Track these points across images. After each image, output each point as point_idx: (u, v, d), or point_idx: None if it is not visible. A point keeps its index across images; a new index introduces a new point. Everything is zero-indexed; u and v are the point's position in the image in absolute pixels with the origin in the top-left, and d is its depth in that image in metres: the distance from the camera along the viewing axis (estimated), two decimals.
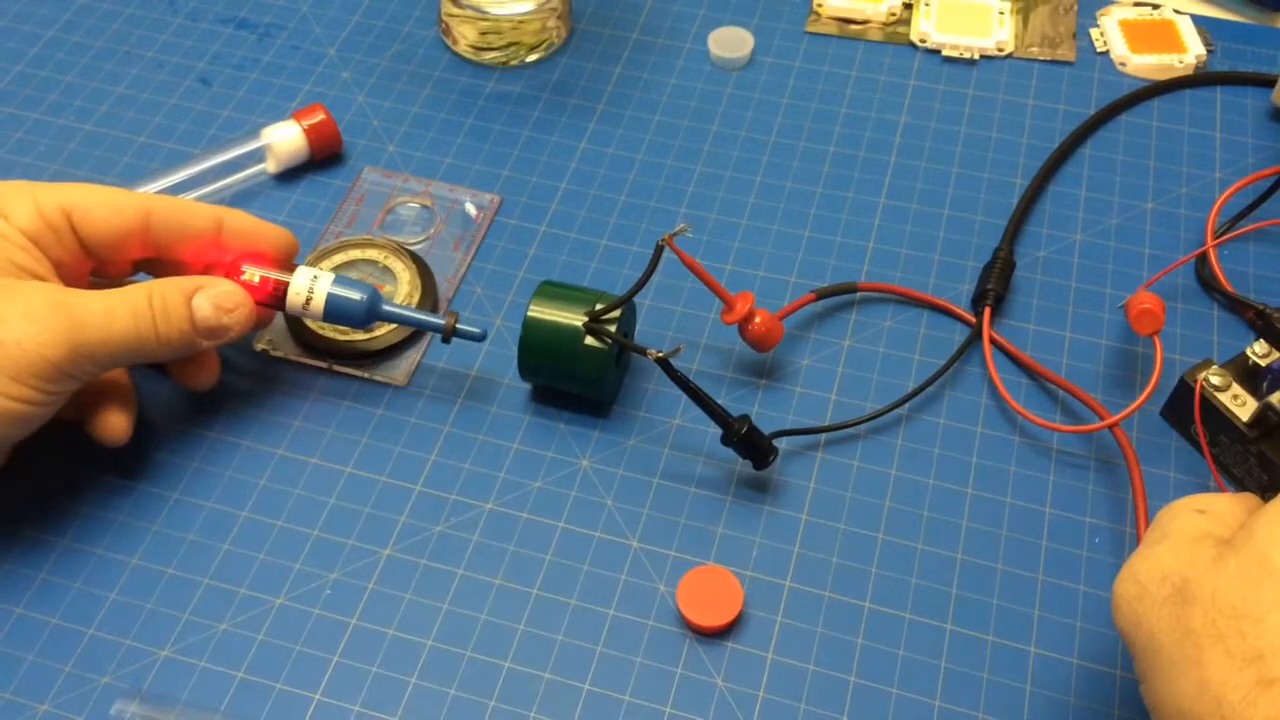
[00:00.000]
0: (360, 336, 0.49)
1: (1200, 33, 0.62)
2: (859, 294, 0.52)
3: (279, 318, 0.50)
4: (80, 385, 0.42)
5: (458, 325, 0.46)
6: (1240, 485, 0.46)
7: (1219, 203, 0.54)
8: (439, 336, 0.47)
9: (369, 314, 0.46)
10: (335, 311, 0.46)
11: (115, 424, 0.44)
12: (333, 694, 0.41)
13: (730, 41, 0.61)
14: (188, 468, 0.46)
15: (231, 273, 0.46)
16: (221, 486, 0.46)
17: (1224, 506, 0.35)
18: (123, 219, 0.44)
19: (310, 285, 0.45)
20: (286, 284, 0.46)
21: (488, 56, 0.61)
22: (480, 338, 0.46)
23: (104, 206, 0.43)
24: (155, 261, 0.46)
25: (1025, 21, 0.63)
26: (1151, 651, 0.32)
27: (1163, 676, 0.32)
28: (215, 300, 0.43)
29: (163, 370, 0.48)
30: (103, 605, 0.43)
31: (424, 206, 0.55)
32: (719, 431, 0.45)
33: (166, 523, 0.45)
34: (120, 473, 0.46)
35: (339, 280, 0.46)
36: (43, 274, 0.42)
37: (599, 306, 0.46)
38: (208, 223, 0.45)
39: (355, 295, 0.45)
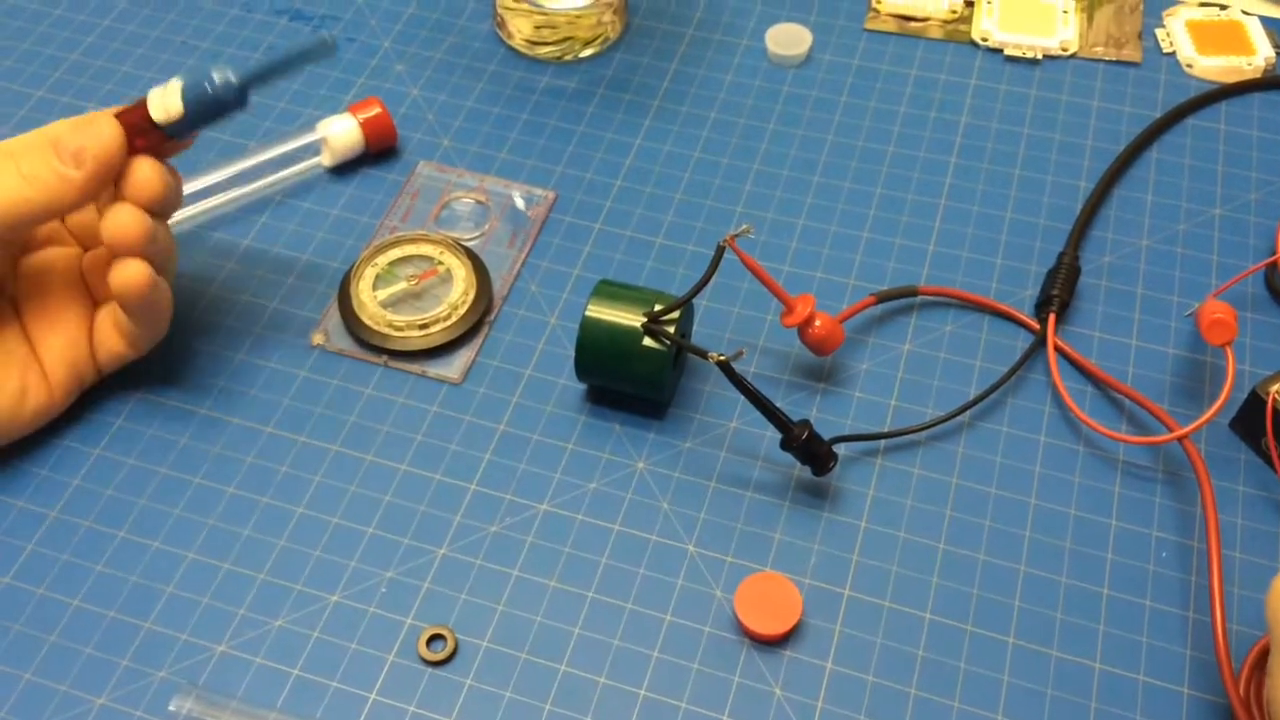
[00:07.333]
0: (415, 333, 0.49)
1: (1269, 34, 0.61)
2: (919, 298, 0.51)
3: (335, 313, 0.50)
4: None
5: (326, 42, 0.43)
6: None
7: None
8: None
9: (228, 87, 0.42)
10: (198, 102, 0.42)
11: (131, 271, 0.43)
12: (388, 694, 0.41)
13: (788, 38, 0.61)
14: (243, 462, 0.46)
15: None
16: (277, 482, 0.46)
17: None
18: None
19: (163, 89, 0.43)
20: (144, 103, 0.43)
21: (542, 51, 0.61)
22: (329, 50, 0.43)
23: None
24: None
25: (1090, 21, 0.62)
26: (1275, 644, 0.36)
27: (1276, 672, 0.36)
28: (73, 124, 0.42)
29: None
30: (160, 599, 0.43)
31: (479, 202, 0.55)
32: (776, 435, 0.44)
33: (222, 517, 0.45)
34: (176, 466, 0.46)
35: (185, 78, 0.43)
36: None
37: (658, 307, 0.45)
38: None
39: (210, 77, 0.42)
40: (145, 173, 0.43)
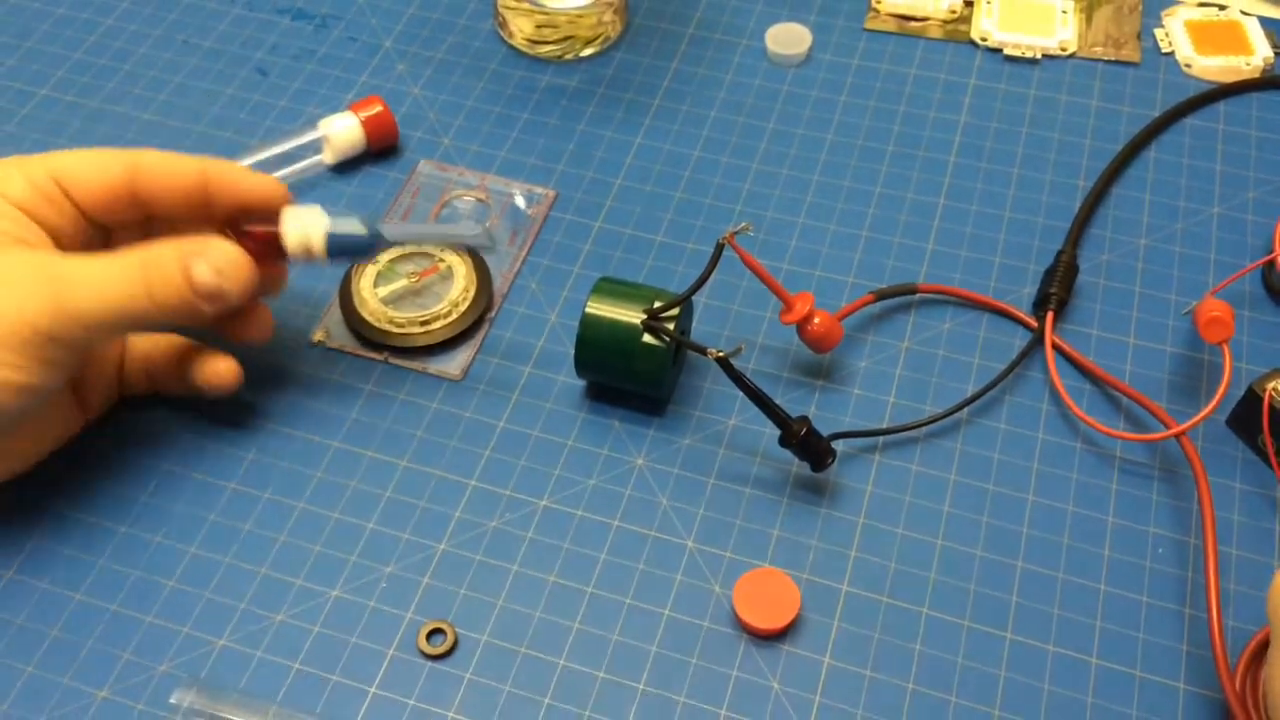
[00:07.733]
0: (416, 330, 0.49)
1: (1268, 35, 0.61)
2: (918, 295, 0.51)
3: (336, 310, 0.50)
4: (80, 354, 0.41)
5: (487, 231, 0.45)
6: None
7: None
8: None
9: (374, 241, 0.44)
10: (340, 249, 0.44)
11: (221, 368, 0.45)
12: (388, 687, 0.41)
13: (788, 38, 0.61)
14: (244, 459, 0.46)
15: (225, 232, 0.45)
16: (278, 478, 0.46)
17: None
18: (109, 175, 0.43)
19: (305, 231, 0.44)
20: (278, 233, 0.44)
21: (543, 50, 0.61)
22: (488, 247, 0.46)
23: (90, 166, 0.43)
24: (152, 222, 0.45)
25: (1089, 21, 0.62)
26: (1274, 638, 0.37)
27: (1275, 663, 0.37)
28: (212, 262, 0.42)
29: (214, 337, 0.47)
30: (161, 593, 0.43)
31: (479, 201, 0.55)
32: (775, 432, 0.44)
33: (224, 513, 0.45)
34: (178, 462, 0.46)
35: (332, 214, 0.44)
36: (33, 242, 0.41)
37: (657, 304, 0.45)
38: (192, 171, 0.44)
39: (356, 229, 0.44)
40: (278, 279, 0.47)
